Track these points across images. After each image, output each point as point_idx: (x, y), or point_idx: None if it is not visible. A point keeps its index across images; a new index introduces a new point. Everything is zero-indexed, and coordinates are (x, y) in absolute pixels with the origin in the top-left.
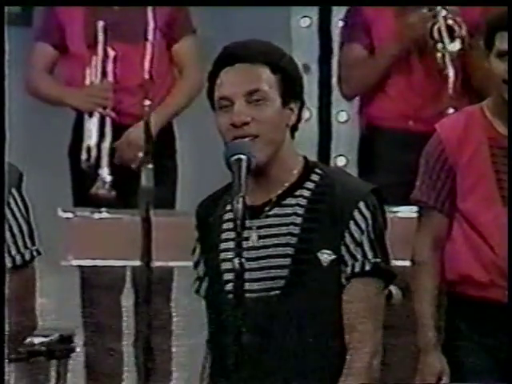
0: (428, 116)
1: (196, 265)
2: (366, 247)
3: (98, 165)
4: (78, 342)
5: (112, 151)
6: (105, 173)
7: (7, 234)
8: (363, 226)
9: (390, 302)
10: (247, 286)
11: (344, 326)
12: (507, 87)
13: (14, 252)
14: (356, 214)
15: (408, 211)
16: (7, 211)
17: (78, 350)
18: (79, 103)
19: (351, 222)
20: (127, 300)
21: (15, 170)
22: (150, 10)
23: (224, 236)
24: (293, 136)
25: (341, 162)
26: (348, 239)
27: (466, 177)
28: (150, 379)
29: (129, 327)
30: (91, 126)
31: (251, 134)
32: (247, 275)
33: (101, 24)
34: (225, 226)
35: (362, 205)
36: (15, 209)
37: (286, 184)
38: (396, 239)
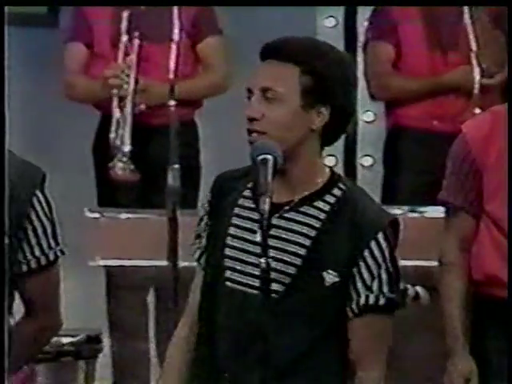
0: (454, 116)
1: (198, 235)
2: (383, 281)
3: (120, 142)
4: (105, 342)
5: (133, 132)
6: (125, 147)
7: (31, 235)
8: (380, 258)
9: (418, 304)
10: (249, 280)
11: (350, 358)
12: None
13: (38, 253)
14: (373, 245)
15: (435, 211)
16: (31, 212)
17: (105, 350)
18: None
19: (366, 252)
20: (153, 300)
21: (38, 171)
22: (175, 9)
23: (234, 221)
24: (326, 143)
25: (367, 161)
26: (363, 269)
27: (493, 177)
28: None
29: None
30: (115, 112)
31: (259, 130)
32: (249, 269)
33: (125, 24)
34: (236, 210)
35: (380, 236)
36: (39, 209)
37: (307, 192)
38: (423, 240)
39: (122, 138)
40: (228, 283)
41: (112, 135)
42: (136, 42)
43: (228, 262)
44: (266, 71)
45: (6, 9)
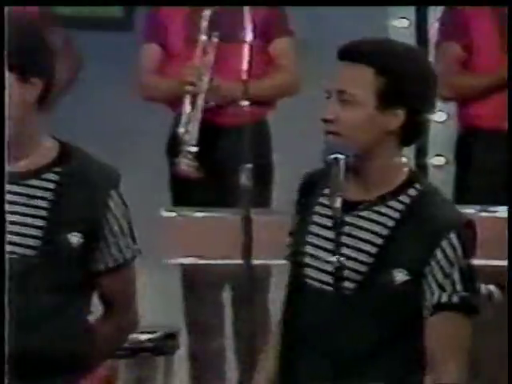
0: None
1: (290, 234)
2: (456, 280)
3: (188, 139)
4: (182, 339)
5: (201, 130)
6: (192, 144)
7: (107, 234)
8: (453, 258)
9: (491, 303)
10: (324, 277)
11: (427, 360)
12: None
13: (115, 252)
14: (445, 244)
15: (506, 211)
16: (107, 212)
17: (182, 346)
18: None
19: (438, 251)
20: (228, 297)
21: (114, 172)
22: (247, 10)
23: (315, 218)
24: (405, 143)
25: (439, 161)
26: (436, 269)
27: None
28: (251, 376)
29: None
30: (186, 112)
31: (333, 131)
32: (325, 266)
33: (204, 24)
34: (317, 208)
35: (453, 236)
36: (115, 209)
37: (382, 191)
38: (494, 239)
39: (191, 135)
40: (306, 280)
41: (181, 130)
42: (214, 41)
43: (307, 259)
44: (342, 73)
45: (70, 12)
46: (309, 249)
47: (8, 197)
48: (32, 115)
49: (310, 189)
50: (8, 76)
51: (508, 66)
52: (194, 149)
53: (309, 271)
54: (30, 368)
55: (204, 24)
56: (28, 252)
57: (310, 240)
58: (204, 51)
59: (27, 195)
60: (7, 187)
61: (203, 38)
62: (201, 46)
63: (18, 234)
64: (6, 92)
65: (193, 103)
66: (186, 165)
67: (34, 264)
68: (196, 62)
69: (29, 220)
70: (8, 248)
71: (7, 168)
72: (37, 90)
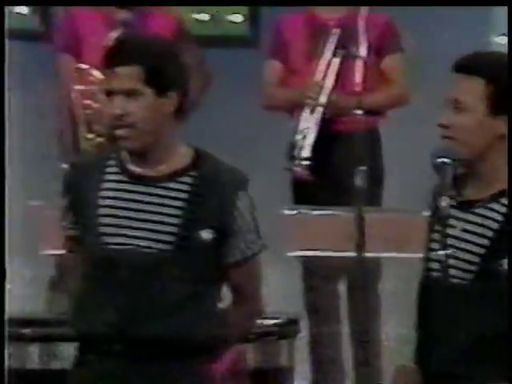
0: None
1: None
2: None
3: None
4: (303, 324)
5: (316, 142)
6: (307, 150)
7: (236, 231)
8: None
9: None
10: (445, 271)
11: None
12: None
13: (243, 246)
14: None
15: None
16: (235, 210)
17: (302, 332)
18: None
19: None
20: (344, 288)
21: (241, 175)
22: (362, 27)
23: (436, 227)
24: None
25: None
26: None
27: None
28: (365, 361)
29: (344, 313)
30: (304, 120)
31: (448, 136)
32: (448, 261)
33: (332, 42)
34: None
35: None
36: (242, 208)
37: (495, 190)
38: None
39: (307, 142)
40: (431, 273)
41: (299, 137)
42: (338, 59)
43: (433, 255)
44: (456, 84)
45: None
46: (433, 245)
47: (147, 198)
48: (169, 125)
49: (437, 195)
50: (148, 91)
51: (508, 66)
52: (309, 154)
53: (433, 265)
54: (166, 351)
55: (331, 42)
56: (164, 247)
57: (435, 238)
58: (327, 67)
59: (164, 196)
60: (144, 189)
61: (328, 54)
62: (325, 63)
63: (153, 230)
64: (6, 93)
65: (311, 112)
66: (301, 168)
67: (169, 258)
68: (318, 77)
69: (165, 218)
70: (143, 243)
71: (145, 172)
72: (173, 102)
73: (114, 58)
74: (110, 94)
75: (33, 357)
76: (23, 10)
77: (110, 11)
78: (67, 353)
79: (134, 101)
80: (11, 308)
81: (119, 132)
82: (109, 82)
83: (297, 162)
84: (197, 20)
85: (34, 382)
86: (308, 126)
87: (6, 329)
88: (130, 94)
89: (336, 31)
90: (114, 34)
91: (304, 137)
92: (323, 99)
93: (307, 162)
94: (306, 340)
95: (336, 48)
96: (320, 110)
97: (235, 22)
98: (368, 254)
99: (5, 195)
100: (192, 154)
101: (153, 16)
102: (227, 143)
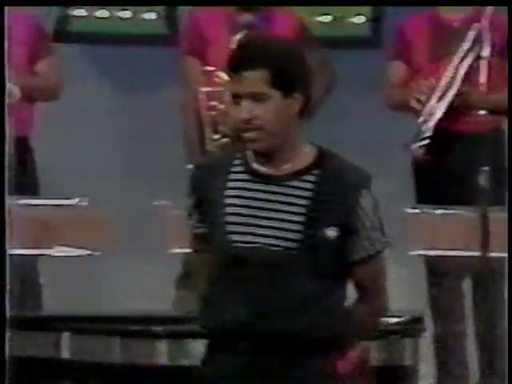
0: None
1: None
2: None
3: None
4: (427, 323)
5: (441, 136)
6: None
7: (360, 229)
8: None
9: None
10: None
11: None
12: None
13: (367, 244)
14: None
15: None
16: (359, 209)
17: (427, 331)
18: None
19: None
20: (469, 287)
21: (364, 173)
22: (485, 27)
23: None
24: None
25: None
26: None
27: None
28: (490, 360)
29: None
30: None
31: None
32: None
33: (469, 43)
34: None
35: None
36: (366, 206)
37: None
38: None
39: (427, 125)
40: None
41: (421, 120)
42: (463, 59)
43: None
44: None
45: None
46: None
47: (272, 196)
48: (295, 125)
49: None
50: (275, 94)
51: (508, 66)
52: (429, 134)
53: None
54: (292, 348)
55: (456, 43)
56: (290, 244)
57: None
58: (455, 68)
59: (289, 194)
60: (269, 188)
61: (453, 55)
62: (451, 63)
63: (279, 228)
64: (6, 92)
65: (438, 101)
66: (419, 147)
67: (295, 255)
68: (443, 77)
69: (290, 216)
70: (270, 241)
71: (269, 171)
72: (298, 103)
73: (239, 62)
74: (236, 97)
75: (162, 353)
76: (152, 16)
77: (234, 13)
78: (196, 350)
79: (261, 104)
80: (143, 306)
81: (248, 135)
82: (235, 85)
83: (416, 143)
84: (320, 22)
85: (164, 377)
86: (432, 111)
87: (6, 329)
88: (257, 97)
89: (472, 32)
90: (239, 37)
91: (425, 121)
92: (452, 93)
93: (426, 141)
94: (431, 339)
95: (461, 49)
96: (447, 100)
97: (357, 24)
98: (492, 254)
99: (5, 195)
100: (315, 153)
101: (276, 18)
102: (350, 144)
